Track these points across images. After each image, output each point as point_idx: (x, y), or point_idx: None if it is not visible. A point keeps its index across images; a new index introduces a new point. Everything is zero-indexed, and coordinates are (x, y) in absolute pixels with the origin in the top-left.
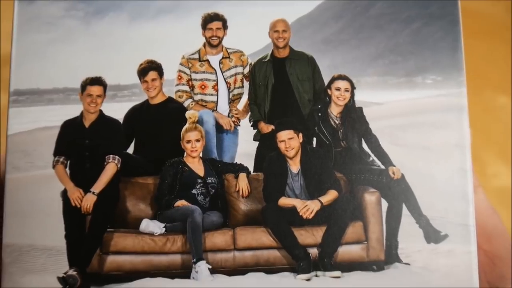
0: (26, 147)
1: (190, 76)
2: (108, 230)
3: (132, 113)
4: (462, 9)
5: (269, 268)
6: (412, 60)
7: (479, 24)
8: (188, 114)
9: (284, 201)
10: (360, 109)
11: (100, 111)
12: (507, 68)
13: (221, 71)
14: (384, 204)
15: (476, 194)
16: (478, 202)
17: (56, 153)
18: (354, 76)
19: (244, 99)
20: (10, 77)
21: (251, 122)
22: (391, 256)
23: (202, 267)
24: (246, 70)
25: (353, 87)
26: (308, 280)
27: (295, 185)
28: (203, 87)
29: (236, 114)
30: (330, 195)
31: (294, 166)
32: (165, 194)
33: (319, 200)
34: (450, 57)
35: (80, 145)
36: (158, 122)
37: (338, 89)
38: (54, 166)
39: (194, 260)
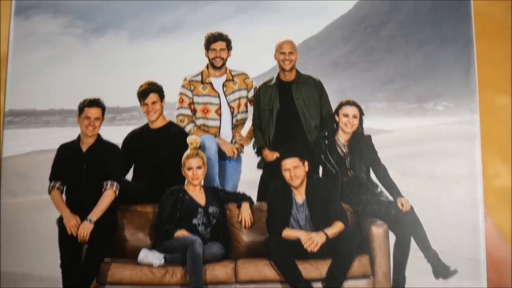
0: (21, 170)
1: (192, 99)
2: (105, 260)
3: (132, 138)
4: None
5: None
6: (423, 85)
7: (479, 24)
8: (189, 139)
9: (288, 233)
10: (369, 137)
11: (98, 135)
12: (507, 68)
13: (225, 94)
14: (392, 237)
15: (485, 223)
16: (487, 232)
17: (52, 178)
18: (362, 101)
19: (248, 124)
20: (5, 96)
21: (255, 149)
22: None
23: None
24: (251, 94)
25: (361, 114)
26: None
27: (300, 216)
28: (205, 111)
29: (240, 140)
30: (336, 227)
31: (299, 196)
32: (164, 223)
33: (325, 232)
34: (463, 82)
35: (77, 170)
36: (158, 148)
37: (346, 115)
38: (49, 192)
39: None
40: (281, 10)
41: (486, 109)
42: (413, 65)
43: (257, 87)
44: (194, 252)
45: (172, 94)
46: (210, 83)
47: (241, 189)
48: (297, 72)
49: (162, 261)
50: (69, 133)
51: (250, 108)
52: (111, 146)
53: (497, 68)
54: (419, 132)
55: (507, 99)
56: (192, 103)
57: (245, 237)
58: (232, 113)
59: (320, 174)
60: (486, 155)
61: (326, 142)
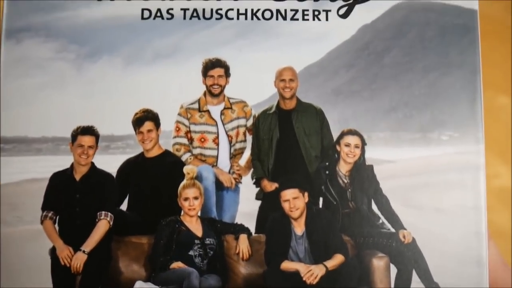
0: (13, 200)
1: (189, 127)
2: None
3: (126, 167)
4: None
5: None
6: (428, 114)
7: (479, 24)
8: (186, 169)
9: (287, 265)
10: (371, 167)
11: (92, 163)
12: (508, 68)
13: (223, 123)
14: (393, 270)
15: (488, 250)
16: (490, 258)
17: (44, 207)
18: (365, 130)
19: (247, 154)
20: None
21: (254, 180)
22: None
23: None
24: (249, 122)
25: (363, 143)
26: None
27: (299, 248)
28: (202, 140)
29: (238, 170)
30: (336, 260)
31: (299, 228)
32: (160, 255)
33: (324, 265)
34: (469, 111)
35: (70, 200)
36: (154, 177)
37: (347, 145)
38: (42, 222)
39: None
40: (282, 35)
41: (487, 109)
42: (418, 93)
43: (256, 116)
44: (190, 285)
45: (168, 122)
46: (208, 111)
47: (239, 220)
48: (298, 100)
49: None
50: (62, 162)
51: (249, 137)
52: (105, 175)
53: (498, 68)
54: (423, 163)
55: (507, 99)
56: (188, 131)
57: (243, 270)
58: (230, 142)
59: (320, 206)
60: (487, 155)
61: (327, 172)
